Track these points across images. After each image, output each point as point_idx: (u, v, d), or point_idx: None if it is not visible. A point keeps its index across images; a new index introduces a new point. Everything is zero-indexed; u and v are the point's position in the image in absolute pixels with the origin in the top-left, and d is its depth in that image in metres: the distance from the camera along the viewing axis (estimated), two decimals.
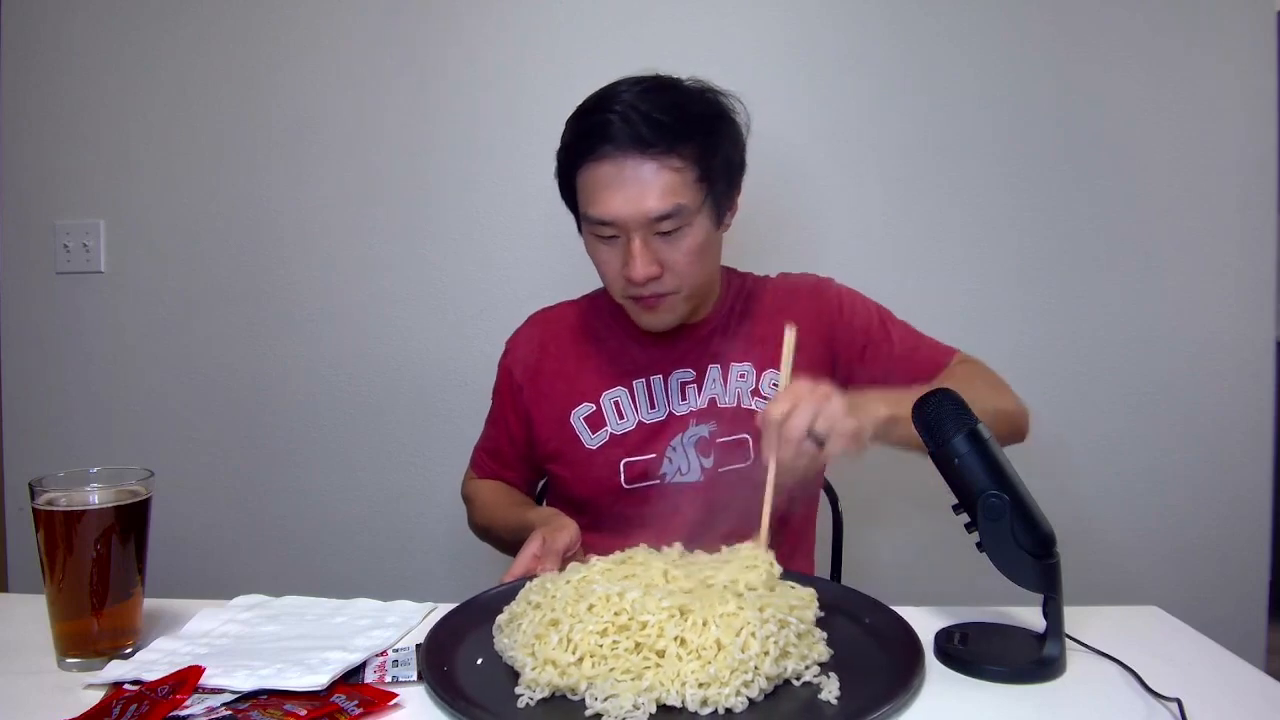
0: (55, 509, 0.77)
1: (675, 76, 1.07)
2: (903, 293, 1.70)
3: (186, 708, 0.66)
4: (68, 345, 1.81)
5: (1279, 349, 1.75)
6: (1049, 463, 1.65)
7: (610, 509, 1.12)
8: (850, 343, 1.16)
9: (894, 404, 0.90)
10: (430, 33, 1.72)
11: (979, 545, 0.77)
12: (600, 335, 1.19)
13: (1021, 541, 0.75)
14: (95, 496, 0.79)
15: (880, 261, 1.71)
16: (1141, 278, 1.70)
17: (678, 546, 0.88)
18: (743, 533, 1.04)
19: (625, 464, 1.12)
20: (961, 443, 0.77)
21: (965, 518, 0.78)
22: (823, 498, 1.30)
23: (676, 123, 1.00)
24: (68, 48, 1.77)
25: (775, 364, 1.11)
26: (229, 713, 0.65)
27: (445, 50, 1.72)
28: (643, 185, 0.99)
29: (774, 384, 1.15)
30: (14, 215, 1.81)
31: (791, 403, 0.85)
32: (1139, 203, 1.69)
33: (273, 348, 1.78)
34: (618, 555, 0.86)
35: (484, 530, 1.22)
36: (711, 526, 1.04)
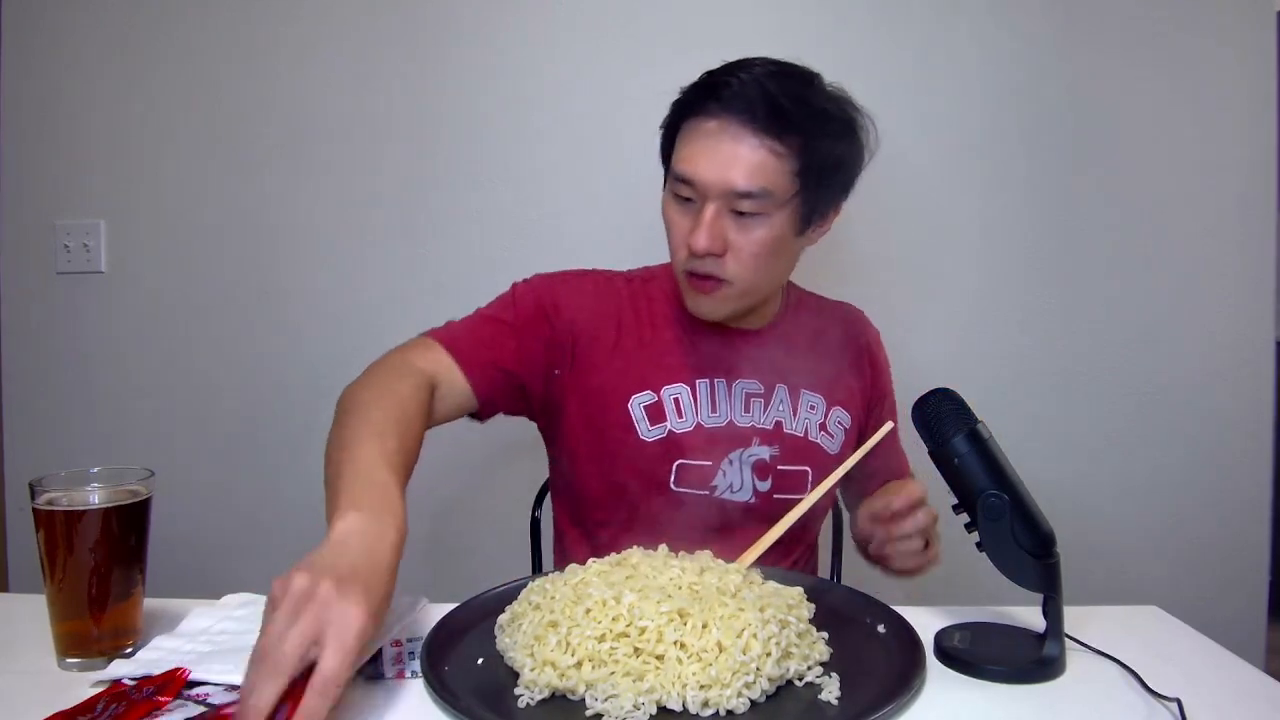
0: (55, 509, 0.77)
1: (816, 71, 1.03)
2: (903, 292, 1.71)
3: (167, 710, 0.66)
4: (68, 345, 1.81)
5: (1279, 349, 1.76)
6: (1049, 462, 1.65)
7: (649, 508, 1.07)
8: (877, 414, 1.18)
9: None
10: (432, 33, 1.72)
11: (979, 545, 0.77)
12: (656, 321, 1.12)
13: (1021, 541, 0.75)
14: (95, 496, 0.79)
15: (879, 262, 1.71)
16: (1141, 278, 1.70)
17: (663, 548, 0.87)
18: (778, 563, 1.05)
19: (678, 465, 1.07)
20: (961, 443, 0.77)
21: (965, 518, 0.78)
22: None
23: (793, 110, 0.96)
24: (68, 48, 1.77)
25: (844, 403, 1.15)
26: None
27: (447, 51, 1.72)
28: (737, 156, 0.95)
29: (839, 422, 1.14)
30: (14, 215, 1.81)
31: (922, 512, 0.91)
32: (1139, 203, 1.69)
33: (273, 348, 1.78)
34: (613, 557, 0.86)
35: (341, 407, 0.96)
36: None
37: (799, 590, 0.81)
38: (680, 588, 0.78)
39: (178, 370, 1.80)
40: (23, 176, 1.80)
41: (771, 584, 0.83)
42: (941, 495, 0.80)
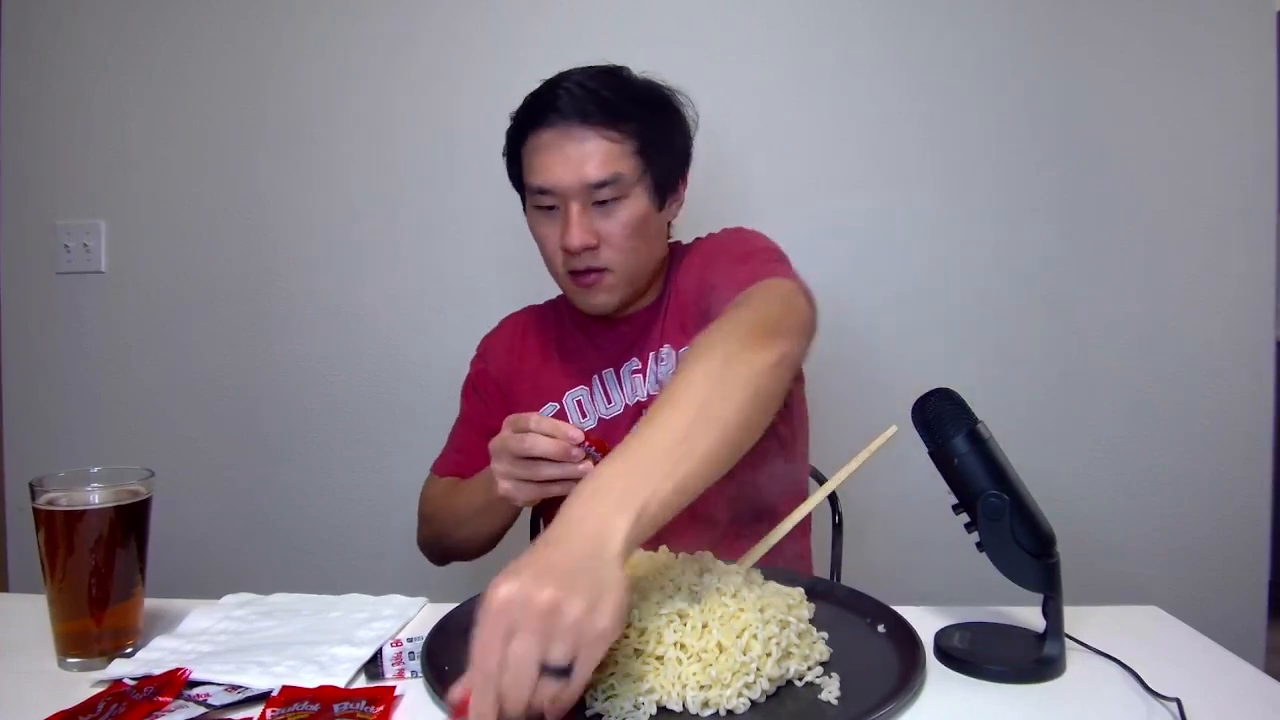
0: (56, 509, 0.77)
1: (619, 66, 1.11)
2: (903, 292, 1.71)
3: (168, 711, 0.66)
4: (68, 345, 1.81)
5: (1279, 349, 1.76)
6: (1049, 462, 1.65)
7: None
8: (708, 288, 1.08)
9: (635, 494, 0.64)
10: (433, 33, 1.72)
11: (979, 545, 0.77)
12: (560, 335, 1.21)
13: (1021, 541, 0.75)
14: (96, 496, 0.79)
15: (879, 262, 1.71)
16: (1141, 278, 1.70)
17: (664, 549, 0.88)
18: (714, 512, 1.04)
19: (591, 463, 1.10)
20: (961, 443, 0.77)
21: (965, 518, 0.78)
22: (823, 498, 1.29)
23: (617, 99, 1.06)
24: (68, 48, 1.77)
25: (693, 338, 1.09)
26: None
27: (449, 51, 1.72)
28: (582, 153, 1.04)
29: None
30: (14, 215, 1.81)
31: (501, 638, 0.55)
32: (1139, 203, 1.69)
33: (272, 348, 1.78)
34: None
35: (438, 529, 1.16)
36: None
37: (799, 590, 0.81)
38: (680, 589, 0.78)
39: (178, 370, 1.80)
40: (23, 176, 1.80)
41: (772, 584, 0.83)
42: (941, 495, 0.80)
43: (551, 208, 1.07)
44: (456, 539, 1.13)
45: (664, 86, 1.12)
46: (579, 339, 1.19)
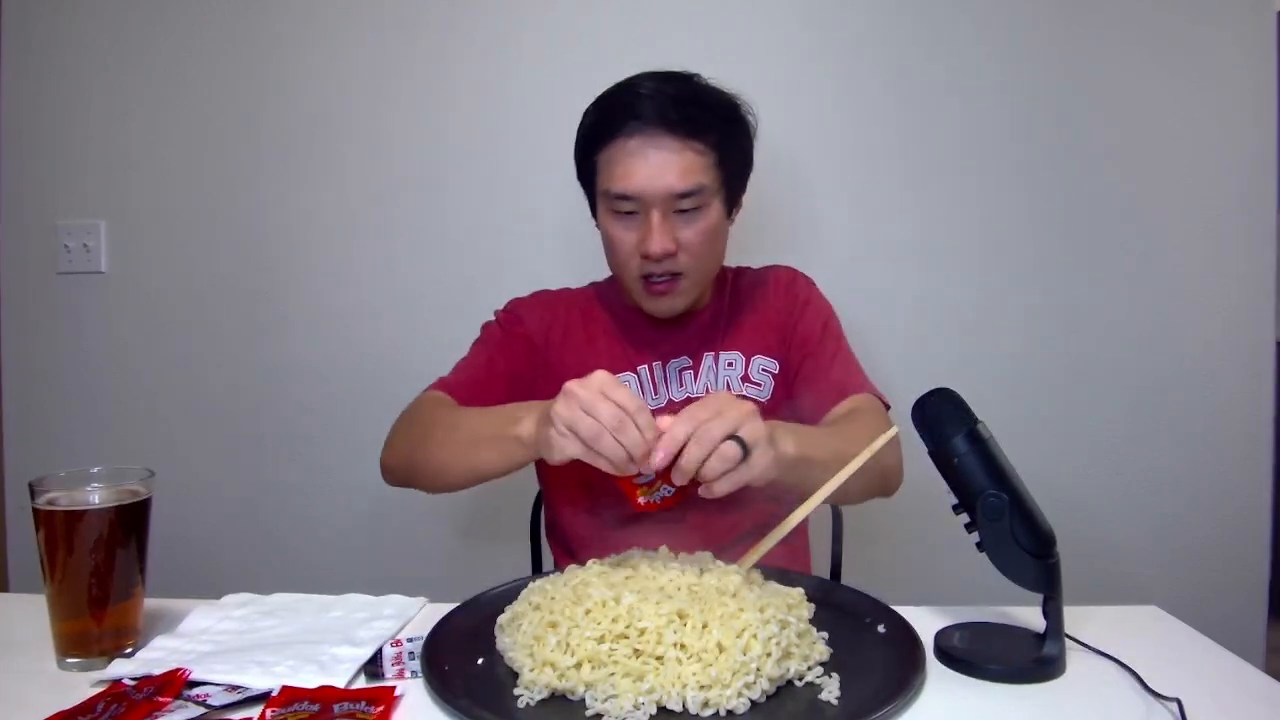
0: (56, 509, 0.77)
1: (691, 72, 1.11)
2: (903, 295, 1.71)
3: (168, 711, 0.66)
4: (68, 345, 1.81)
5: (1279, 349, 1.76)
6: (1049, 462, 1.65)
7: (612, 492, 1.12)
8: (799, 346, 1.18)
9: (805, 444, 0.88)
10: (435, 34, 1.72)
11: (979, 545, 0.77)
12: (605, 321, 1.22)
13: (1021, 541, 0.75)
14: (96, 496, 0.79)
15: (881, 263, 1.71)
16: (1141, 278, 1.70)
17: (664, 549, 0.88)
18: (739, 519, 1.09)
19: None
20: (961, 442, 0.77)
21: (965, 518, 0.78)
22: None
23: (699, 109, 1.06)
24: (68, 48, 1.77)
25: (766, 350, 1.18)
26: None
27: (451, 52, 1.72)
28: (666, 162, 1.04)
29: (764, 369, 1.18)
30: (15, 215, 1.81)
31: (714, 410, 0.80)
32: (1139, 203, 1.69)
33: (273, 348, 1.78)
34: (614, 558, 0.86)
35: (418, 441, 1.07)
36: (711, 511, 1.06)
37: (799, 590, 0.81)
38: (680, 589, 0.78)
39: (178, 370, 1.80)
40: (23, 177, 1.80)
41: (772, 584, 0.83)
42: (941, 495, 0.80)
43: (630, 213, 1.07)
44: (437, 458, 1.03)
45: (734, 95, 1.11)
46: (626, 326, 1.21)
